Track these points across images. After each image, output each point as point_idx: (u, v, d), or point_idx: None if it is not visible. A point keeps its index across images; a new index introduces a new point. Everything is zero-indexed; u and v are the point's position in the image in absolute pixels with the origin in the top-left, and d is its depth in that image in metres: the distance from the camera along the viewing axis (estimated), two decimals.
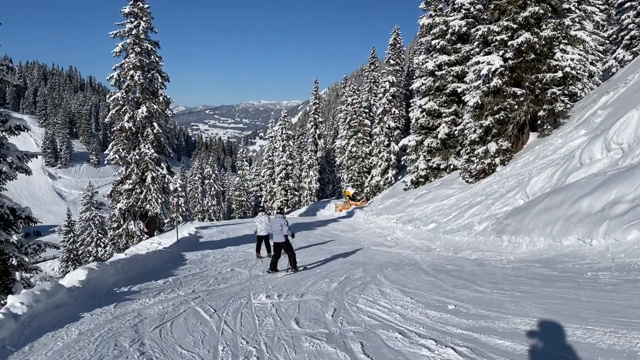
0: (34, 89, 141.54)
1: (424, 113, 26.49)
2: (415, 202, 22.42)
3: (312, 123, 62.25)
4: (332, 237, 18.79)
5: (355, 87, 52.05)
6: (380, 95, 45.85)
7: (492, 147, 19.34)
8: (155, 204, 31.60)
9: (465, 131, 21.05)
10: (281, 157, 59.09)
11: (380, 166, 45.19)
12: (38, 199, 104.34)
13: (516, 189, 14.85)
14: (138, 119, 30.67)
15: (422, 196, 22.54)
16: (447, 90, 25.74)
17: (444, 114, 25.76)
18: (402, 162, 46.84)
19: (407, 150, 28.10)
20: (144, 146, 31.40)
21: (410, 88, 46.44)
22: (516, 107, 18.96)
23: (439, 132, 25.57)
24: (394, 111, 44.86)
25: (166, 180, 32.34)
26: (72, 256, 55.80)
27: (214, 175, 64.61)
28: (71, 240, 56.80)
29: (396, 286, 7.62)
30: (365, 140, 49.81)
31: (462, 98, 21.32)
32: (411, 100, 35.96)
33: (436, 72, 26.08)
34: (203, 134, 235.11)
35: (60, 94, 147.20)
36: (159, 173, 31.88)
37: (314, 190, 59.29)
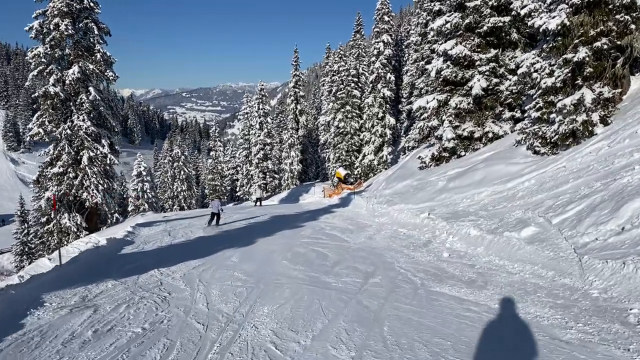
0: None
1: (449, 62, 18.40)
2: (450, 185, 14.49)
3: (292, 98, 53.50)
4: (335, 247, 10.74)
5: (342, 52, 43.55)
6: (373, 59, 37.56)
7: (587, 95, 11.45)
8: (95, 191, 23.55)
9: (534, 75, 13.06)
10: (258, 136, 50.42)
11: (373, 143, 37.18)
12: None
13: None
14: (68, 81, 22.61)
15: (460, 177, 14.62)
16: (484, 29, 17.68)
17: (478, 62, 17.75)
18: (406, 135, 38.96)
19: (424, 115, 19.98)
20: (78, 118, 23.11)
21: (403, 49, 38.27)
22: (632, 27, 11.08)
23: (472, 87, 17.59)
24: (389, 77, 36.71)
25: (109, 162, 23.95)
26: (25, 249, 46.93)
27: (183, 157, 55.50)
28: (24, 232, 47.84)
29: None
30: (354, 114, 41.60)
31: (530, 22, 13.33)
32: (428, 45, 27.70)
33: (466, 4, 17.93)
34: (180, 117, 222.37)
35: (24, 74, 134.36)
36: (98, 152, 23.59)
37: (296, 173, 50.99)
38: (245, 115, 56.08)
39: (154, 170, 71.38)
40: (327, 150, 46.23)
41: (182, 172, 55.53)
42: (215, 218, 16.66)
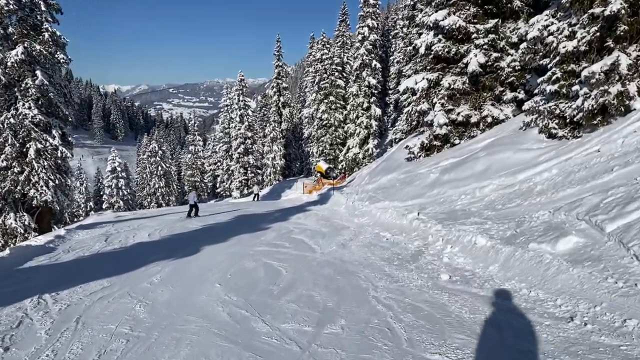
0: None
1: (441, 35, 15.57)
2: (445, 178, 11.70)
3: (274, 90, 50.37)
4: (295, 260, 7.88)
5: (325, 40, 40.55)
6: (357, 45, 34.60)
7: (623, 60, 8.70)
8: (45, 188, 20.55)
9: (549, 39, 10.26)
10: (238, 129, 47.22)
11: (358, 135, 34.31)
12: None
13: None
14: (10, 63, 19.41)
15: (456, 168, 11.83)
16: None
17: (475, 35, 14.93)
18: (393, 127, 36.01)
19: (413, 98, 17.12)
20: (24, 105, 20.03)
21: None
22: None
23: (468, 63, 14.79)
24: (375, 65, 33.83)
25: (60, 155, 20.88)
26: None
27: (160, 152, 52.14)
28: None
29: None
30: (338, 105, 38.68)
31: None
32: (416, 30, 24.85)
33: None
34: (166, 113, 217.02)
35: None
36: (47, 144, 20.49)
37: (279, 168, 47.96)
38: (226, 108, 52.81)
39: (137, 166, 67.58)
40: (310, 144, 43.31)
41: (159, 168, 52.24)
42: (194, 210, 17.40)
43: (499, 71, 14.90)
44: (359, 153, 34.21)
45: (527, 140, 10.51)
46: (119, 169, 49.42)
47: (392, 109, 44.99)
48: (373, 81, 33.25)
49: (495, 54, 14.68)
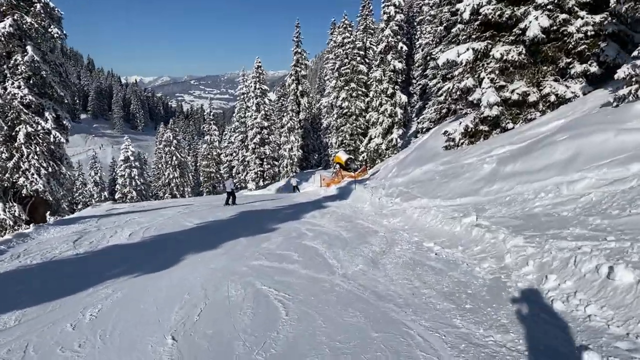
0: None
1: None
2: (507, 170, 8.76)
3: (293, 77, 47.62)
4: (303, 288, 5.16)
5: (347, 22, 37.48)
6: (382, 26, 31.45)
7: None
8: (36, 176, 18.46)
9: None
10: (255, 119, 44.64)
11: (381, 124, 31.25)
12: None
13: None
14: None
15: (522, 157, 8.88)
16: None
17: None
18: (418, 118, 32.57)
19: (454, 74, 14.03)
20: (13, 84, 17.89)
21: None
22: None
23: (526, 28, 11.72)
24: (401, 48, 30.65)
25: (54, 140, 18.73)
26: None
27: (175, 141, 50.05)
28: None
29: None
30: (359, 93, 35.67)
31: None
32: (448, 7, 21.58)
33: None
34: (187, 104, 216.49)
35: None
36: (39, 127, 18.39)
37: (296, 160, 45.27)
38: (242, 96, 50.27)
39: (155, 157, 65.92)
40: (329, 135, 40.46)
41: (174, 158, 50.20)
42: (232, 198, 17.10)
43: (565, 38, 11.76)
44: (381, 144, 31.20)
45: (630, 117, 7.50)
46: (132, 158, 47.59)
47: (417, 98, 41.74)
48: (399, 65, 30.11)
49: (562, 16, 11.54)
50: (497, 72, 12.36)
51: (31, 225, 12.31)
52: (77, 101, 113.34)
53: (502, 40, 12.65)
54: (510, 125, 12.31)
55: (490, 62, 12.59)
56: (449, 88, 15.25)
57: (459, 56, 13.17)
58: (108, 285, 5.74)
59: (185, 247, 8.14)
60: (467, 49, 12.93)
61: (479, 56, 12.78)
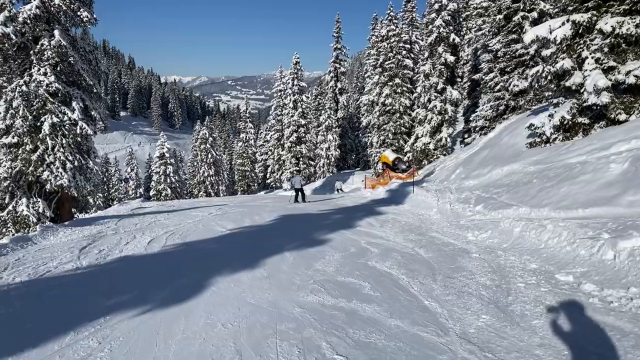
0: None
1: None
2: None
3: (332, 74, 45.49)
4: (388, 346, 2.99)
5: (393, 14, 34.98)
6: (433, 15, 28.80)
7: None
8: (61, 169, 17.09)
9: None
10: (292, 116, 42.85)
11: (429, 122, 28.56)
12: None
13: None
14: (22, 19, 15.72)
15: None
16: None
17: None
18: (465, 116, 29.68)
19: (546, 52, 11.34)
20: (39, 71, 16.53)
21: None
22: None
23: None
24: (453, 39, 27.90)
25: (80, 131, 17.30)
26: None
27: (211, 139, 49.00)
28: None
29: None
30: (404, 89, 33.08)
31: None
32: None
33: None
34: (224, 104, 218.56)
35: None
36: (65, 118, 16.97)
37: (333, 159, 43.13)
38: (279, 94, 48.60)
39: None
40: (369, 134, 38.04)
41: (209, 156, 49.12)
42: (300, 194, 16.91)
43: None
44: (429, 143, 28.53)
45: None
46: (167, 155, 46.77)
47: (465, 95, 38.68)
48: (451, 58, 27.38)
49: None
50: (606, 49, 9.71)
51: (52, 223, 10.75)
52: (117, 99, 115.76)
53: (611, 11, 9.99)
54: (622, 117, 9.63)
55: (595, 37, 9.95)
56: (536, 72, 12.56)
57: (551, 32, 10.58)
58: (95, 331, 3.74)
59: (214, 264, 6.12)
60: (563, 23, 10.33)
61: (580, 30, 10.14)
